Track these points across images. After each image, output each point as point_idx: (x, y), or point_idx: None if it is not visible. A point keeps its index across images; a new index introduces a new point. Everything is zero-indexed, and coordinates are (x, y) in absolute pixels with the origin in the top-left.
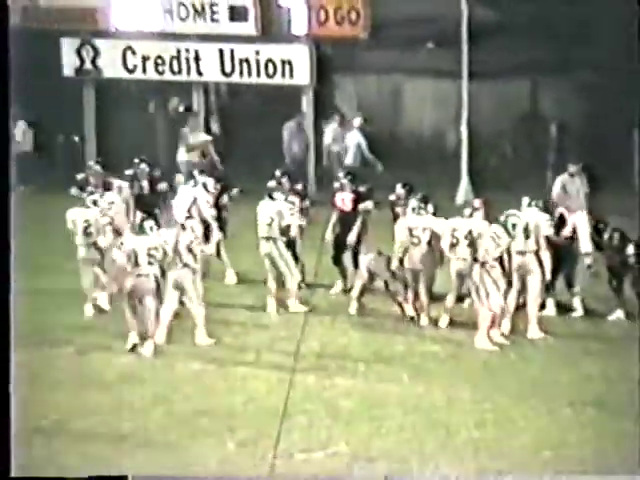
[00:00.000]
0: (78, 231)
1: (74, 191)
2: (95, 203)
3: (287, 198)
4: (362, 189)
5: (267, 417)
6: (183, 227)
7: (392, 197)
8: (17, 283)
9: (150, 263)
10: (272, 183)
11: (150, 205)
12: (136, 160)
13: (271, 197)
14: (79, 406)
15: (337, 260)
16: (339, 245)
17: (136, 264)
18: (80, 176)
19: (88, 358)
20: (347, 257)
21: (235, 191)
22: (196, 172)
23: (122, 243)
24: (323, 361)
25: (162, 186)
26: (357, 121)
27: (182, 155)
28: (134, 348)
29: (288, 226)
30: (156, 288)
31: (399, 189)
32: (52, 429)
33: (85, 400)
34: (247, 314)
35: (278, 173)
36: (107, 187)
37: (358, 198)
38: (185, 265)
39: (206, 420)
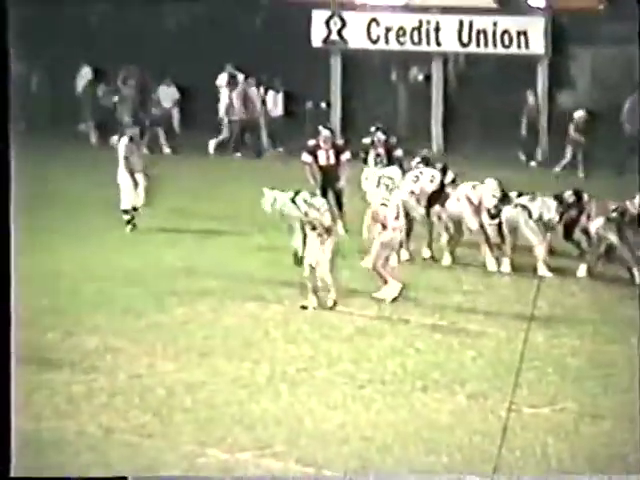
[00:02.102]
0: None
1: (305, 157)
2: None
3: None
4: None
5: (496, 372)
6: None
7: None
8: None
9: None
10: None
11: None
12: (372, 128)
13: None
14: (320, 356)
15: (567, 235)
16: (567, 223)
17: (396, 218)
18: (311, 142)
19: (329, 313)
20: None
21: None
22: None
23: (387, 199)
24: (552, 321)
25: (398, 153)
26: None
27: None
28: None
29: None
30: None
31: None
32: (296, 378)
33: (327, 350)
34: (477, 275)
35: None
36: (337, 151)
37: None
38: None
39: (437, 373)
